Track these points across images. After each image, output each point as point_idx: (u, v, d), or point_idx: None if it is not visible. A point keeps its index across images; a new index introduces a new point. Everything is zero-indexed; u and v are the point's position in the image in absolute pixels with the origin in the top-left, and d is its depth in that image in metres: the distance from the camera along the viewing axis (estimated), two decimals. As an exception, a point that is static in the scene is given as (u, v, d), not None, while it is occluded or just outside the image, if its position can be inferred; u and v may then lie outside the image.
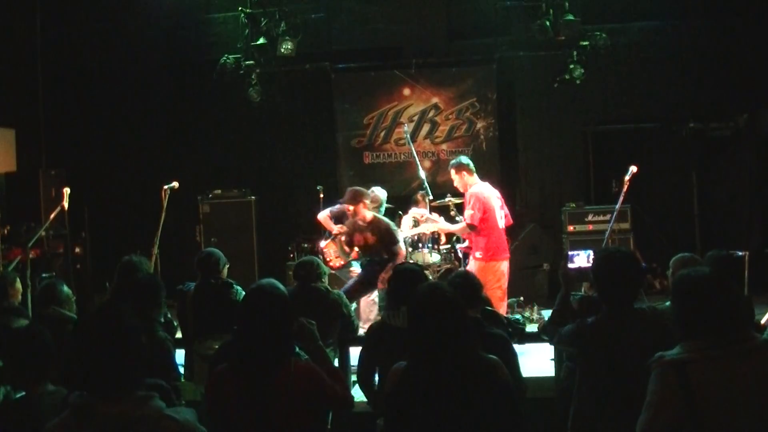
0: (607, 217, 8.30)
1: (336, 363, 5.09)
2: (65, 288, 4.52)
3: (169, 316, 5.03)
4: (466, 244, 7.05)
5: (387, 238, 6.61)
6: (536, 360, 5.61)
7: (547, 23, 9.00)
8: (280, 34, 9.30)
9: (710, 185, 9.90)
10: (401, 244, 6.72)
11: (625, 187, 6.16)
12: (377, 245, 6.67)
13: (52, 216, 6.86)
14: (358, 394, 4.22)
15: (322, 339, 4.90)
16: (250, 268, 9.06)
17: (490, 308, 4.64)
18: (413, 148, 8.32)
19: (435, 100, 10.25)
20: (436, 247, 7.61)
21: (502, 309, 6.34)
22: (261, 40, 9.46)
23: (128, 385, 2.08)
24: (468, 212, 6.58)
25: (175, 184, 7.03)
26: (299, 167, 10.40)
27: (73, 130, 10.37)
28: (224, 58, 9.61)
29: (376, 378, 3.97)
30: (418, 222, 7.43)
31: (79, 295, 7.86)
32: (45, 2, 10.39)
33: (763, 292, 7.33)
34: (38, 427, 2.29)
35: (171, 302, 5.46)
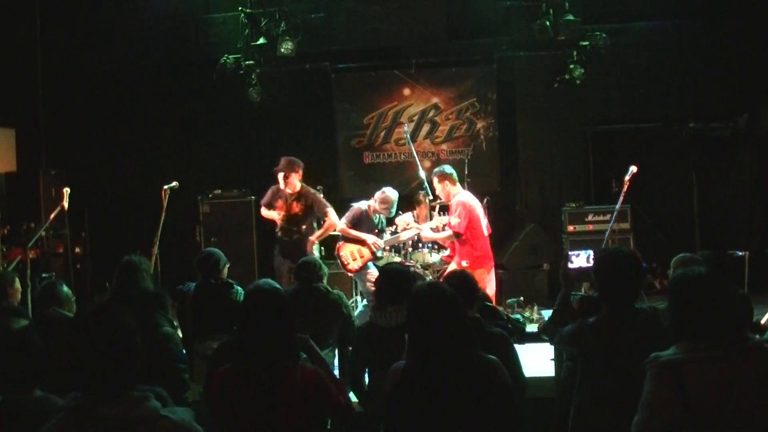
0: (607, 217, 8.31)
1: (336, 362, 5.10)
2: (65, 288, 4.52)
3: (169, 316, 5.04)
4: (448, 252, 7.08)
5: (316, 205, 7.18)
6: (536, 360, 5.61)
7: (547, 23, 9.00)
8: (280, 34, 9.30)
9: (710, 185, 9.90)
10: (331, 210, 7.20)
11: (625, 187, 6.16)
12: (305, 214, 7.16)
13: (52, 216, 6.87)
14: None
15: (323, 339, 4.96)
16: (250, 268, 9.05)
17: (489, 304, 4.65)
18: (413, 148, 8.32)
19: (435, 100, 10.26)
20: (436, 247, 7.62)
21: None
22: (261, 40, 9.46)
23: (124, 386, 2.07)
24: (454, 220, 6.62)
25: (175, 184, 7.04)
26: (299, 167, 10.39)
27: (73, 130, 10.37)
28: (224, 58, 9.60)
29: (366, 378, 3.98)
30: (403, 228, 7.42)
31: (79, 295, 7.87)
32: (45, 2, 10.39)
33: (763, 292, 7.35)
34: None
35: (171, 302, 5.47)
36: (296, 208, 7.23)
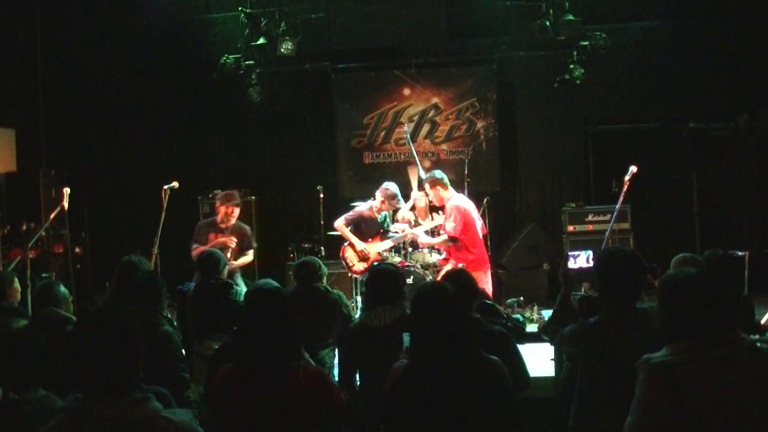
0: (607, 217, 8.31)
1: (336, 362, 5.09)
2: (62, 288, 4.51)
3: (169, 316, 5.04)
4: (443, 256, 7.08)
5: (246, 243, 6.86)
6: (536, 360, 5.60)
7: (547, 23, 9.00)
8: (280, 34, 9.30)
9: (710, 185, 9.89)
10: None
11: (625, 187, 6.15)
12: (236, 249, 6.77)
13: (52, 216, 6.86)
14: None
15: (323, 339, 4.96)
16: (251, 268, 9.04)
17: (489, 302, 4.64)
18: (413, 148, 8.32)
19: (435, 100, 10.26)
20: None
21: None
22: (261, 40, 9.46)
23: (125, 388, 2.07)
24: (449, 225, 6.62)
25: (175, 184, 7.03)
26: (299, 167, 10.40)
27: (73, 130, 10.37)
28: (224, 58, 9.60)
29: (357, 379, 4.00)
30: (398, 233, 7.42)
31: (79, 295, 7.88)
32: (45, 3, 10.39)
33: (763, 292, 7.34)
34: None
35: (171, 302, 5.47)
36: (231, 242, 6.84)
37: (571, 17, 8.95)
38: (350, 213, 7.44)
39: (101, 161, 10.27)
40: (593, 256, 5.64)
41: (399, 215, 7.52)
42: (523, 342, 4.80)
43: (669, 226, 9.66)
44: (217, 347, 4.13)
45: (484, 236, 6.94)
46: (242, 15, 9.60)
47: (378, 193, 7.30)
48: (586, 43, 9.29)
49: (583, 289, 4.91)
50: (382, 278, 3.96)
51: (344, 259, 7.41)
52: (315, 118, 10.46)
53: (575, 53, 9.41)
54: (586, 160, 10.20)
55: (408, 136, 8.57)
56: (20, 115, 10.12)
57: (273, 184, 10.42)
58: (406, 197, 8.48)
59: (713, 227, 9.63)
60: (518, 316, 6.98)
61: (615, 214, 6.48)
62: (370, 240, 7.38)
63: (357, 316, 6.39)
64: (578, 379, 3.32)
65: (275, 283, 2.97)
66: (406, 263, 7.35)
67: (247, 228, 7.09)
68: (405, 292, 4.05)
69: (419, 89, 10.26)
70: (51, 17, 10.37)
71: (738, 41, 9.56)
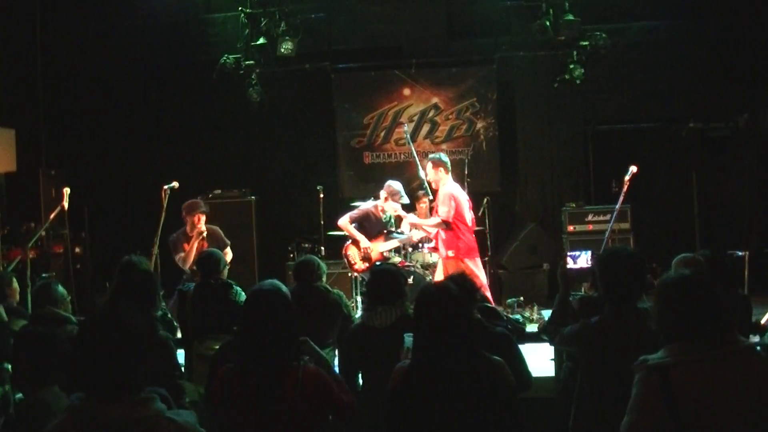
0: (607, 217, 8.30)
1: (336, 362, 5.09)
2: (60, 288, 4.51)
3: (169, 316, 5.04)
4: (433, 244, 7.12)
5: (221, 244, 6.82)
6: (536, 360, 5.60)
7: (547, 23, 9.01)
8: (280, 34, 9.31)
9: (710, 185, 9.89)
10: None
11: (625, 187, 6.16)
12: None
13: (52, 216, 6.86)
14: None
15: (323, 339, 4.95)
16: (250, 268, 9.06)
17: (488, 305, 4.65)
18: (413, 148, 8.32)
19: (435, 100, 10.26)
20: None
21: None
22: (261, 40, 9.47)
23: (130, 389, 2.07)
24: (443, 209, 6.67)
25: (175, 184, 7.03)
26: (299, 167, 10.40)
27: (73, 130, 10.38)
28: (224, 58, 9.61)
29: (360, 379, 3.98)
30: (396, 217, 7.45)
31: (79, 295, 7.89)
32: (45, 2, 10.39)
33: (763, 292, 7.35)
34: (38, 431, 2.27)
35: (171, 302, 5.47)
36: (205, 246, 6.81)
37: (571, 17, 8.97)
38: (355, 212, 7.45)
39: (101, 161, 10.26)
40: (593, 256, 5.65)
41: (388, 207, 7.41)
42: (523, 342, 4.81)
43: (669, 226, 9.65)
44: (217, 347, 4.12)
45: (475, 231, 7.00)
46: (242, 15, 9.61)
47: (383, 192, 7.32)
48: (586, 43, 9.30)
49: (583, 289, 4.92)
50: (384, 278, 3.96)
51: (346, 257, 7.42)
52: (315, 118, 10.45)
53: (575, 53, 9.41)
54: (586, 160, 10.20)
55: (408, 136, 8.58)
56: (20, 115, 10.11)
57: (273, 184, 10.41)
58: (407, 197, 8.49)
59: (713, 227, 9.63)
60: (518, 316, 7.00)
61: (615, 214, 6.49)
62: (373, 239, 7.39)
63: (357, 316, 6.43)
64: (578, 379, 3.32)
65: (278, 283, 2.96)
66: (407, 263, 7.35)
67: (217, 228, 7.10)
68: (406, 292, 4.06)
69: (419, 89, 10.26)
70: (51, 17, 10.37)
71: (738, 41, 9.57)
